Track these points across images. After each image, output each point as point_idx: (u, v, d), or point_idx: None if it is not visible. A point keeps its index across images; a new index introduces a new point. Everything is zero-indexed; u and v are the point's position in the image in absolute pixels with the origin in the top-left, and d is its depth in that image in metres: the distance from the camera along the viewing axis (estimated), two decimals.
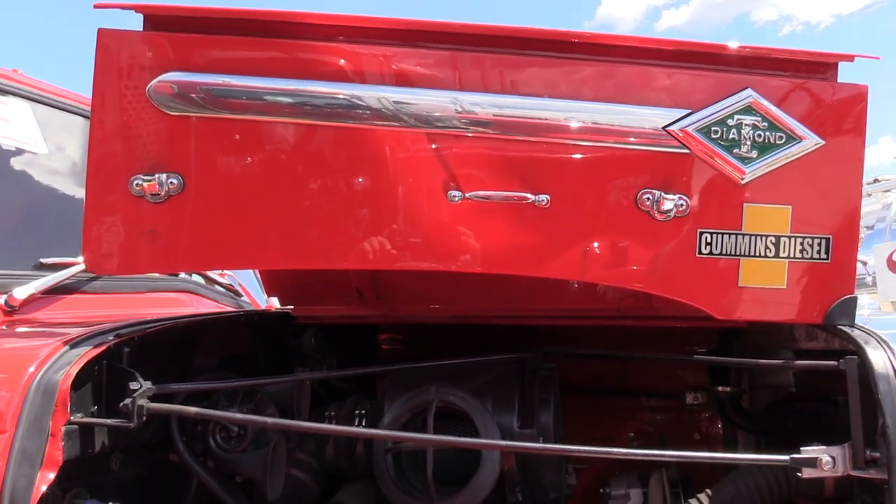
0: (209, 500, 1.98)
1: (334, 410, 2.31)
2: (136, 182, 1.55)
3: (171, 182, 1.54)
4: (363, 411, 2.30)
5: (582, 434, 3.00)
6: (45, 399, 1.42)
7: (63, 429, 1.43)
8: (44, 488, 1.38)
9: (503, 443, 1.81)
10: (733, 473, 1.97)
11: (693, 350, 2.89)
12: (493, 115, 1.49)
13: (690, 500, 1.88)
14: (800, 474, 1.44)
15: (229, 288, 2.99)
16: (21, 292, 1.86)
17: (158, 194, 1.54)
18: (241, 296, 3.18)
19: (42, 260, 2.07)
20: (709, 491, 1.88)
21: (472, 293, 2.26)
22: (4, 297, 1.87)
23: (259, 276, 2.39)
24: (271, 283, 2.38)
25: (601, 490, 2.43)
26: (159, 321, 1.81)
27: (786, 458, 1.44)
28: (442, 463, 2.04)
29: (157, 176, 1.54)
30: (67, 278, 2.05)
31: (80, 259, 2.10)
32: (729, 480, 1.89)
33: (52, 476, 1.40)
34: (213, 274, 2.95)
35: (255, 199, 1.54)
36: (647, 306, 2.18)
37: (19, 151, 2.27)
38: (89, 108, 1.54)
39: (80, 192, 2.41)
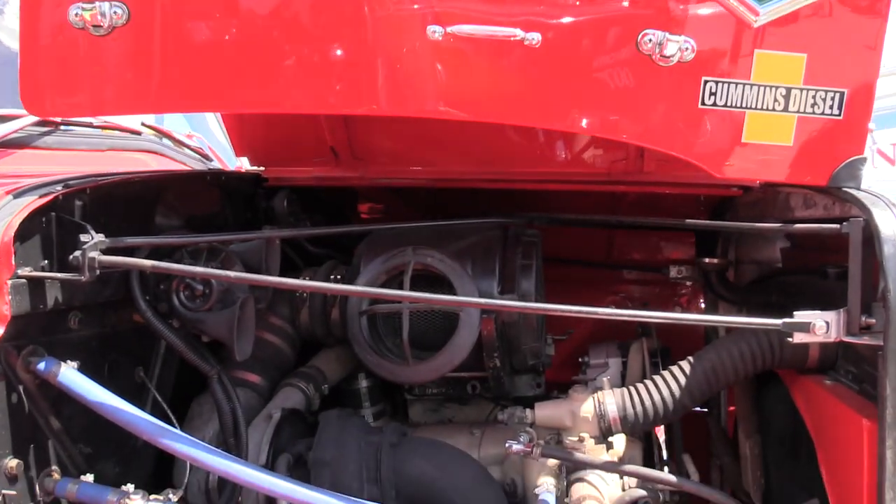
0: (180, 364, 1.93)
1: (309, 276, 2.23)
2: (75, 12, 1.37)
3: (115, 11, 1.36)
4: (339, 276, 2.22)
5: (561, 302, 2.99)
6: None
7: (9, 283, 1.33)
8: None
9: (481, 300, 1.74)
10: (715, 341, 1.93)
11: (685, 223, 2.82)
12: None
13: (671, 367, 1.84)
14: (790, 339, 1.38)
15: (198, 151, 2.83)
16: None
17: (101, 26, 1.37)
18: (211, 160, 3.03)
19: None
20: (690, 359, 1.84)
21: (453, 154, 2.12)
22: None
23: (227, 133, 2.23)
24: (240, 141, 2.23)
25: (580, 359, 2.41)
26: (115, 175, 1.68)
27: (778, 321, 1.38)
28: (419, 331, 1.98)
29: (98, 4, 1.36)
30: (15, 131, 1.89)
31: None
32: (711, 348, 1.85)
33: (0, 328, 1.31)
34: (180, 136, 2.78)
35: (212, 31, 1.37)
36: (637, 171, 2.06)
37: None
38: None
39: None
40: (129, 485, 1.49)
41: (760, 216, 2.17)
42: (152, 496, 1.46)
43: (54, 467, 1.52)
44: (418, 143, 2.15)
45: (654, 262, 2.93)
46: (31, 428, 1.48)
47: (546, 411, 1.88)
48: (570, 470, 1.85)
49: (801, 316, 1.38)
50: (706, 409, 2.70)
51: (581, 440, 1.81)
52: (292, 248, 2.38)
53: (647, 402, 1.80)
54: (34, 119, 1.93)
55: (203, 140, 2.82)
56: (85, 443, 1.62)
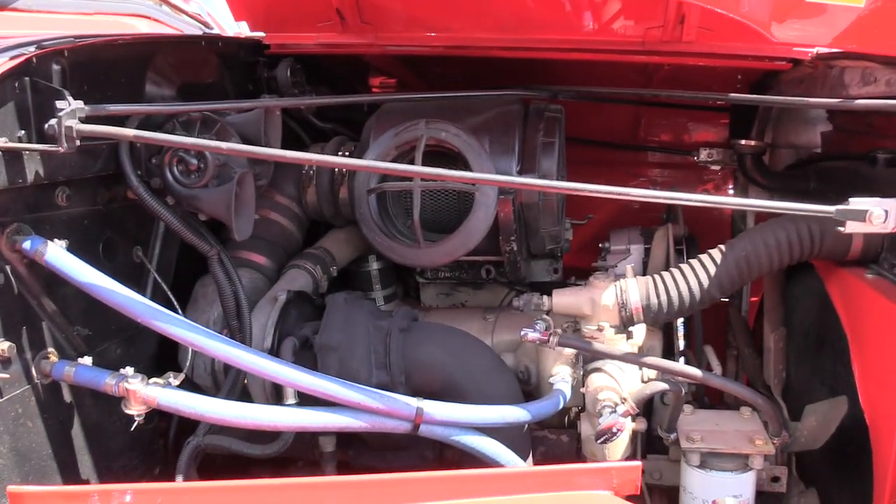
0: (183, 244, 1.84)
1: (316, 151, 2.09)
2: None
3: None
4: (347, 153, 2.09)
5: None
6: None
7: None
8: None
9: (498, 177, 1.61)
10: (750, 229, 1.80)
11: (715, 104, 2.62)
12: None
13: (700, 255, 1.73)
14: (841, 228, 1.25)
15: (196, 17, 2.63)
16: None
17: None
18: (211, 28, 2.82)
19: None
20: (722, 247, 1.72)
21: (471, 18, 1.92)
22: None
23: None
24: (239, 2, 2.03)
25: (599, 245, 2.30)
26: (97, 36, 1.51)
27: (831, 208, 1.24)
28: (432, 212, 1.87)
29: None
30: None
31: None
32: (744, 236, 1.72)
33: None
34: (177, 1, 2.57)
35: None
36: (676, 40, 1.85)
37: None
38: None
39: None
40: (128, 368, 1.43)
41: (806, 95, 1.98)
42: (152, 379, 1.41)
43: (51, 350, 1.47)
44: (432, 5, 1.94)
45: (683, 143, 2.76)
46: (22, 310, 1.40)
47: (564, 298, 1.79)
48: (587, 360, 1.78)
49: (856, 203, 1.24)
50: (727, 299, 2.62)
51: (600, 329, 1.73)
52: (298, 123, 2.23)
53: (673, 292, 1.70)
54: None
55: (202, 6, 2.60)
56: (83, 324, 1.55)
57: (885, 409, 1.47)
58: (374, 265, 2.30)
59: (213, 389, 1.85)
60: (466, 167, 1.76)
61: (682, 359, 1.97)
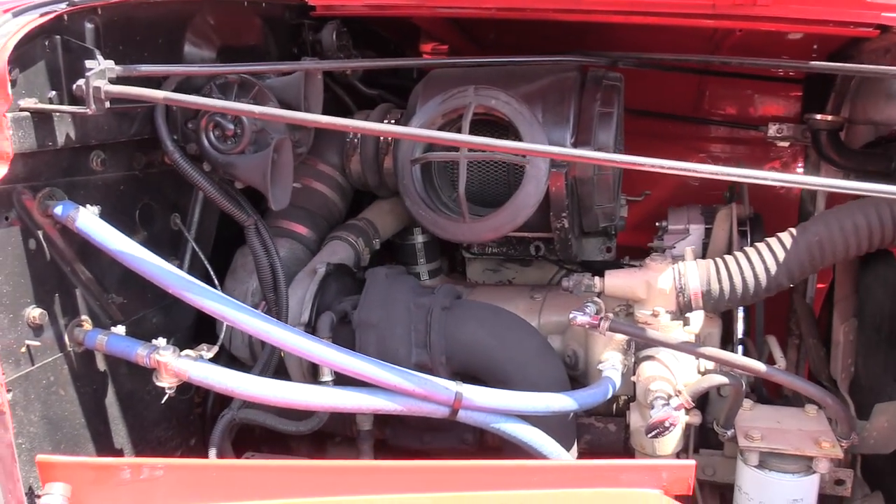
0: (222, 213, 1.79)
1: (361, 118, 2.02)
2: None
3: None
4: (393, 121, 2.00)
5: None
6: None
7: (8, 115, 1.17)
8: None
9: (551, 148, 1.50)
10: (824, 212, 1.66)
11: (788, 75, 2.44)
12: None
13: (767, 239, 1.59)
14: None
15: None
16: None
17: None
18: None
19: None
20: (792, 231, 1.58)
21: None
22: None
23: None
24: None
25: (656, 224, 2.17)
26: None
27: None
28: (479, 184, 1.77)
29: None
30: None
31: None
32: (818, 219, 1.58)
33: (2, 170, 1.17)
34: None
35: None
36: (750, 2, 1.70)
37: None
38: None
39: None
40: (160, 339, 1.39)
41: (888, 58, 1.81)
42: (184, 352, 1.36)
43: (84, 317, 1.44)
44: None
45: (750, 117, 2.59)
46: (55, 276, 1.37)
47: (618, 280, 1.67)
48: (640, 346, 1.67)
49: None
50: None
51: (655, 315, 1.61)
52: (343, 89, 2.15)
53: (737, 278, 1.57)
54: None
55: None
56: (118, 292, 1.52)
57: None
58: (420, 238, 2.23)
59: (251, 361, 1.82)
60: (517, 137, 1.65)
61: (741, 349, 1.85)
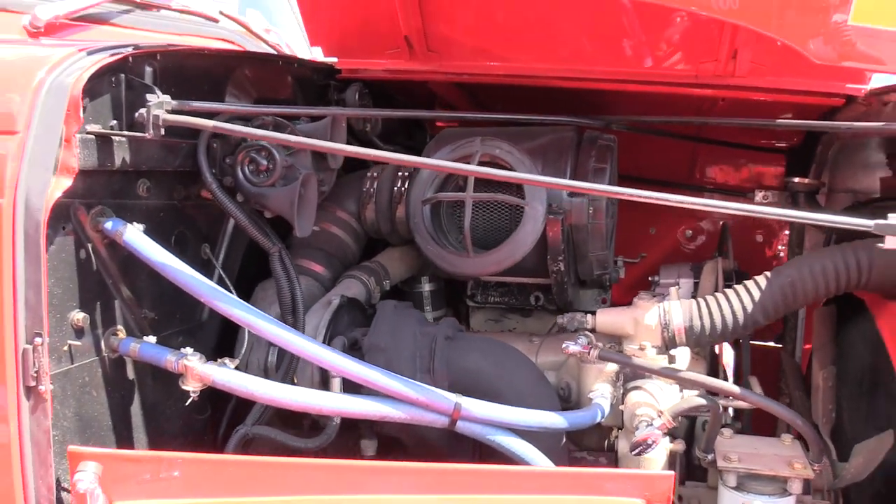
0: (248, 245, 1.95)
1: (377, 171, 2.21)
2: None
3: None
4: (406, 174, 2.19)
5: (636, 227, 2.89)
6: (57, 101, 1.33)
7: (77, 136, 1.35)
8: (58, 194, 1.32)
9: (545, 178, 1.67)
10: (797, 257, 1.81)
11: (772, 146, 2.64)
12: None
13: (745, 282, 1.74)
14: (881, 245, 1.26)
15: (274, 47, 2.81)
16: (45, 12, 1.72)
17: None
18: None
19: None
20: (768, 273, 1.73)
21: (531, 49, 2.03)
22: (28, 18, 1.74)
23: (301, 21, 2.19)
24: (314, 28, 2.19)
25: (650, 279, 2.33)
26: (188, 46, 1.67)
27: (870, 222, 1.26)
28: (482, 226, 1.94)
29: None
30: (95, 5, 1.90)
31: None
32: (791, 263, 1.74)
33: (67, 182, 1.34)
34: (258, 29, 2.77)
35: None
36: (729, 74, 1.92)
37: None
38: None
39: None
40: (187, 348, 1.53)
41: (863, 133, 2.00)
42: (209, 361, 1.50)
43: (119, 327, 1.58)
44: (495, 35, 2.06)
45: (740, 186, 2.77)
46: (98, 286, 1.52)
47: (608, 317, 1.82)
48: (628, 378, 1.80)
49: (894, 217, 1.25)
50: (780, 345, 2.58)
51: (642, 349, 1.75)
52: (362, 145, 2.36)
53: (717, 315, 1.71)
54: None
55: (280, 35, 2.80)
56: (150, 308, 1.66)
57: None
58: (427, 286, 2.38)
59: None
60: (518, 187, 1.83)
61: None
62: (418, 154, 2.22)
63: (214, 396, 1.71)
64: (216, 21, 2.38)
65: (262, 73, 1.96)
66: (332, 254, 2.17)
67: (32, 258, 1.31)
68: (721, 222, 2.68)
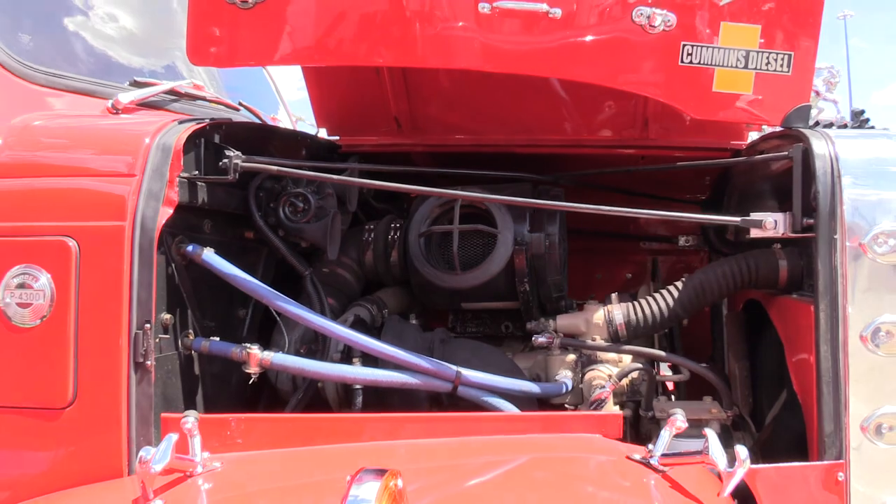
0: (275, 276, 2.44)
1: (372, 225, 2.74)
2: None
3: None
4: (397, 225, 2.73)
5: (585, 274, 3.44)
6: (164, 154, 1.84)
7: (177, 178, 1.86)
8: (163, 220, 1.82)
9: (512, 198, 2.21)
10: (705, 266, 2.38)
11: (691, 198, 3.27)
12: None
13: (668, 286, 2.29)
14: (749, 235, 1.83)
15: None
16: (125, 97, 2.25)
17: (247, 2, 1.92)
18: None
19: (136, 79, 2.46)
20: (683, 278, 2.29)
21: (493, 122, 2.64)
22: (111, 101, 2.27)
23: (312, 106, 2.77)
24: (321, 112, 2.78)
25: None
26: (240, 122, 2.22)
27: (737, 218, 1.84)
28: (465, 252, 2.47)
29: None
30: (152, 95, 2.43)
31: (164, 82, 2.50)
32: (700, 270, 2.30)
33: (170, 211, 1.84)
34: (266, 117, 3.34)
35: (318, 6, 1.91)
36: (644, 137, 2.55)
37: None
38: None
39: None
40: (248, 343, 1.99)
41: (751, 179, 2.63)
42: (265, 350, 1.96)
43: (190, 330, 2.03)
44: (466, 113, 2.67)
45: (665, 232, 3.37)
46: (178, 297, 1.99)
47: (565, 320, 2.35)
48: (584, 365, 2.30)
49: (755, 215, 1.84)
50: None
51: (593, 341, 2.27)
52: (360, 206, 2.90)
53: (647, 311, 2.25)
54: (166, 87, 2.48)
55: (284, 122, 3.37)
56: (210, 320, 2.13)
57: (807, 383, 1.95)
58: (414, 321, 2.87)
59: (291, 394, 2.37)
60: (491, 221, 2.38)
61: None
62: (404, 209, 2.76)
63: (252, 386, 2.15)
64: (238, 110, 2.94)
65: (287, 143, 2.52)
66: (339, 290, 2.66)
67: (145, 265, 1.78)
68: (652, 259, 3.25)
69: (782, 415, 2.14)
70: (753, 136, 2.53)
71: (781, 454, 2.14)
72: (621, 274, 3.52)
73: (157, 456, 1.47)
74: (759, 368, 2.58)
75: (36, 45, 2.29)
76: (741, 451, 1.48)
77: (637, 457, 1.67)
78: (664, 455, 1.61)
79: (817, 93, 2.40)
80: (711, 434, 1.54)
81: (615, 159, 2.72)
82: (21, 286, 1.79)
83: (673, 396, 2.64)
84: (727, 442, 2.10)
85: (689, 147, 2.53)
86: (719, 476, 1.56)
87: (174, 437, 1.53)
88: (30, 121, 2.02)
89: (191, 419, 1.69)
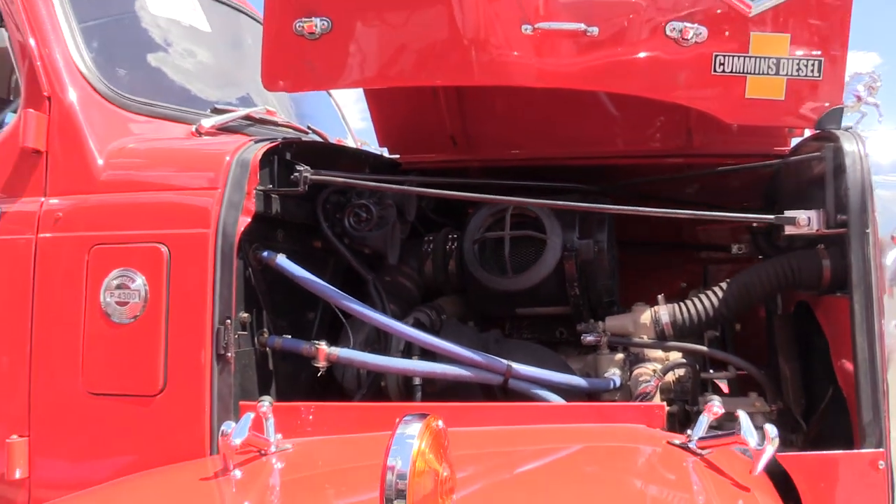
0: (341, 283, 2.64)
1: (432, 237, 2.92)
2: (298, 24, 2.15)
3: (324, 24, 2.13)
4: (453, 236, 2.90)
5: (642, 284, 3.52)
6: (243, 169, 2.07)
7: (254, 190, 2.09)
8: (242, 228, 2.04)
9: (557, 202, 2.36)
10: (749, 267, 2.45)
11: (740, 204, 3.33)
12: None
13: (713, 287, 2.38)
14: (784, 232, 1.92)
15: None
16: (207, 122, 2.52)
17: (314, 33, 2.14)
18: None
19: (216, 106, 2.73)
20: (728, 280, 2.37)
21: (543, 137, 2.79)
22: (195, 126, 2.54)
23: (374, 127, 2.99)
24: (382, 133, 2.98)
25: None
26: (311, 140, 2.45)
27: (771, 216, 1.93)
28: (515, 257, 2.62)
29: (313, 20, 2.14)
30: (231, 120, 2.69)
31: (240, 109, 2.77)
32: (745, 271, 2.38)
33: (248, 220, 2.06)
34: (332, 139, 3.59)
35: (379, 35, 2.12)
36: (688, 146, 2.66)
37: (193, 29, 2.95)
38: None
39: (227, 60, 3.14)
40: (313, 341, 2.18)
41: (798, 184, 2.69)
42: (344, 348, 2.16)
43: (265, 329, 2.24)
44: (517, 130, 2.83)
45: (719, 240, 3.42)
46: (254, 298, 2.21)
47: (614, 321, 2.46)
48: (632, 363, 2.40)
49: (789, 213, 1.93)
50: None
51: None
52: (417, 219, 3.09)
53: (693, 311, 2.34)
54: (242, 113, 2.74)
55: (349, 142, 3.62)
56: (283, 320, 2.34)
57: (849, 376, 2.00)
58: (471, 325, 3.02)
59: (355, 391, 2.55)
60: (541, 227, 2.53)
61: None
62: (460, 223, 2.94)
63: (321, 385, 2.34)
64: (306, 133, 3.18)
65: (351, 160, 2.74)
66: (401, 297, 2.84)
67: (226, 268, 2.00)
68: (704, 267, 3.31)
69: (829, 411, 2.19)
70: (797, 141, 2.60)
71: (830, 450, 2.19)
72: (676, 284, 3.58)
73: (237, 430, 1.66)
74: (813, 370, 2.62)
75: (131, 78, 2.58)
76: (770, 429, 1.56)
77: (677, 442, 1.77)
78: (701, 438, 1.70)
79: (859, 97, 2.47)
80: (743, 415, 1.63)
81: (661, 169, 2.83)
82: (120, 287, 2.04)
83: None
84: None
85: (732, 154, 2.61)
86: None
87: (251, 415, 1.72)
88: (126, 144, 2.30)
89: (266, 403, 1.89)
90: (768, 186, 2.95)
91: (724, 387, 2.77)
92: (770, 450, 1.55)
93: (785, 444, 2.20)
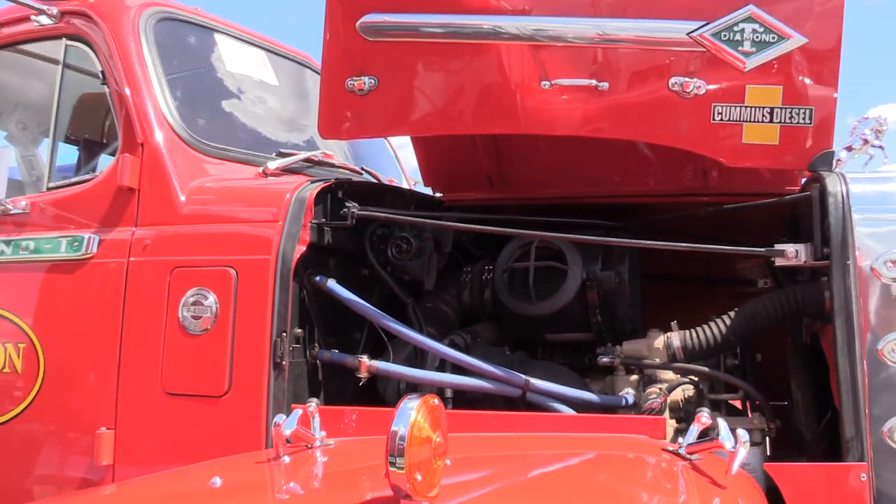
0: (385, 305, 2.95)
1: (470, 268, 3.21)
2: (349, 82, 2.51)
3: (371, 82, 2.49)
4: (489, 267, 3.18)
5: (668, 317, 3.71)
6: (300, 205, 2.42)
7: (309, 223, 2.43)
8: (298, 255, 2.38)
9: (579, 236, 2.61)
10: (755, 298, 2.64)
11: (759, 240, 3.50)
12: (571, 32, 2.31)
13: (723, 315, 2.58)
14: (774, 261, 2.14)
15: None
16: (272, 164, 2.90)
17: (363, 90, 2.50)
18: None
19: (281, 150, 3.12)
20: (736, 309, 2.58)
21: (573, 177, 3.06)
22: (262, 168, 2.92)
23: (420, 169, 3.33)
24: (428, 174, 3.32)
25: None
26: (361, 180, 2.80)
27: (762, 249, 2.15)
28: (539, 285, 2.87)
29: (363, 78, 2.49)
30: (293, 162, 3.07)
31: (302, 153, 3.15)
32: (751, 301, 2.58)
33: (303, 248, 2.40)
34: (384, 179, 3.94)
35: (421, 92, 2.46)
36: (704, 185, 2.89)
37: (262, 83, 3.38)
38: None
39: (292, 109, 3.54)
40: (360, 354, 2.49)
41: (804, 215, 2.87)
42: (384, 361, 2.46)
43: (316, 344, 2.56)
44: (548, 170, 3.11)
45: (744, 275, 3.59)
46: (307, 317, 2.54)
47: (630, 346, 2.69)
48: (646, 384, 2.62)
49: (779, 246, 2.14)
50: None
51: None
52: (458, 250, 3.39)
53: (702, 337, 2.55)
54: (303, 156, 3.12)
55: (403, 185, 3.97)
56: (332, 338, 2.65)
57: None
58: (505, 350, 3.28)
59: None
60: (564, 259, 2.79)
61: None
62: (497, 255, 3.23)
63: (364, 400, 2.63)
64: (360, 174, 3.55)
65: (397, 198, 3.08)
66: (440, 322, 3.13)
67: (284, 289, 2.34)
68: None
69: (828, 432, 2.36)
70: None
71: None
72: (702, 318, 3.74)
73: (287, 422, 1.97)
74: (827, 396, 2.77)
75: (208, 126, 2.99)
76: (742, 433, 1.77)
77: (670, 448, 1.99)
78: (689, 444, 1.92)
79: (865, 140, 2.67)
80: (721, 421, 1.84)
81: (682, 206, 3.05)
82: (195, 303, 2.41)
83: None
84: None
85: (746, 193, 2.83)
86: None
87: (300, 411, 2.03)
88: (203, 183, 2.69)
89: (313, 404, 2.20)
90: (790, 222, 3.14)
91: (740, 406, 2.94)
92: (742, 451, 1.75)
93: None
